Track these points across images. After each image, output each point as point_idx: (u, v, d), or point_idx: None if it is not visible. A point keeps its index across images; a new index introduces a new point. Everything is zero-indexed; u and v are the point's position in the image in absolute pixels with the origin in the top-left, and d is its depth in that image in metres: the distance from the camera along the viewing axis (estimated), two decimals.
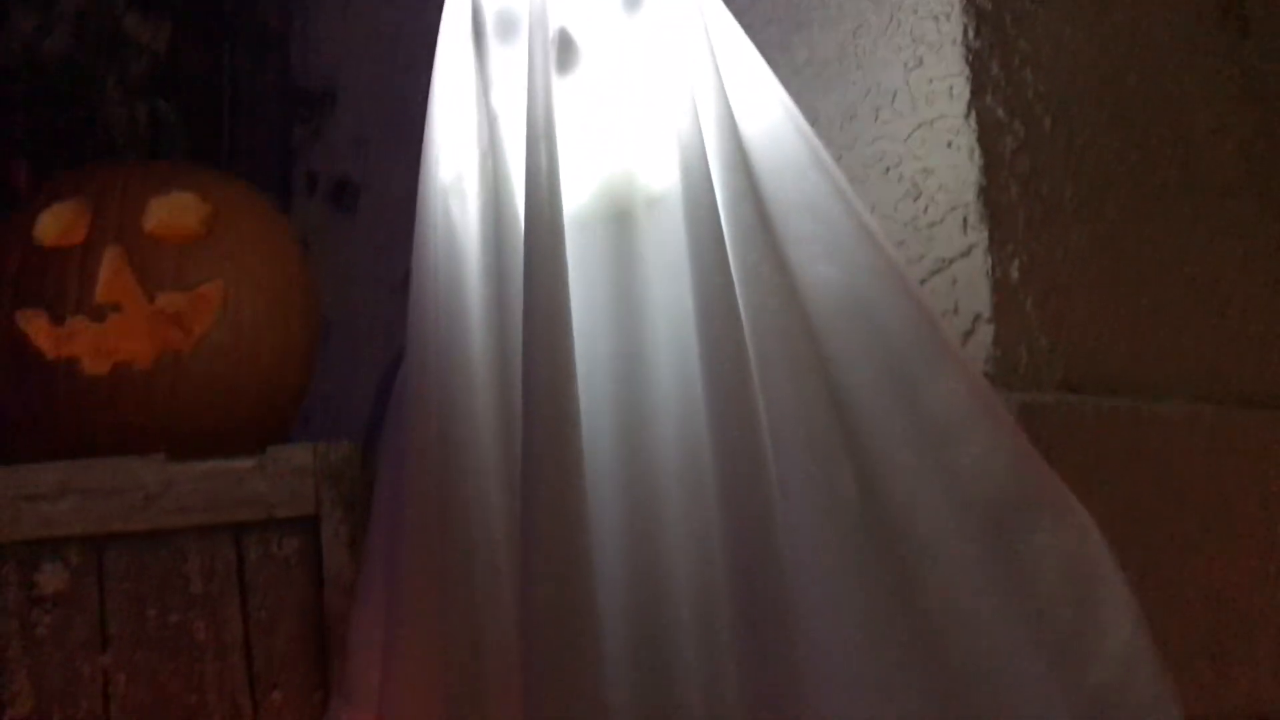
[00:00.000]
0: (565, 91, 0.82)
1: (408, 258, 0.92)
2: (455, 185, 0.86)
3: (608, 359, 0.80)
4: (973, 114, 0.97)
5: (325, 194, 1.63)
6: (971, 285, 0.96)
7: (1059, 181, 1.01)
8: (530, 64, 0.80)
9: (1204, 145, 1.12)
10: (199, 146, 1.59)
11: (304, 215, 1.67)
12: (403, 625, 0.84)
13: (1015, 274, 0.97)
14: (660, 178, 0.82)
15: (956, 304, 0.97)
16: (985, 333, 0.95)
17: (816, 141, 0.86)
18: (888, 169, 1.02)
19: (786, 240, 0.82)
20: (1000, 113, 0.99)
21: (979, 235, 0.96)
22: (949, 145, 0.98)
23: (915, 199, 1.00)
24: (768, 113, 0.86)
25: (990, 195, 0.97)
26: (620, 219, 0.82)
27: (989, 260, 0.96)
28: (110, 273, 1.08)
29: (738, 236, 0.80)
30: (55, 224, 1.11)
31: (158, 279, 1.09)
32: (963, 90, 0.98)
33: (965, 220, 0.97)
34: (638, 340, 0.81)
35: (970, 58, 0.98)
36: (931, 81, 0.99)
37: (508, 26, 0.84)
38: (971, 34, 0.98)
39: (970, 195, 0.97)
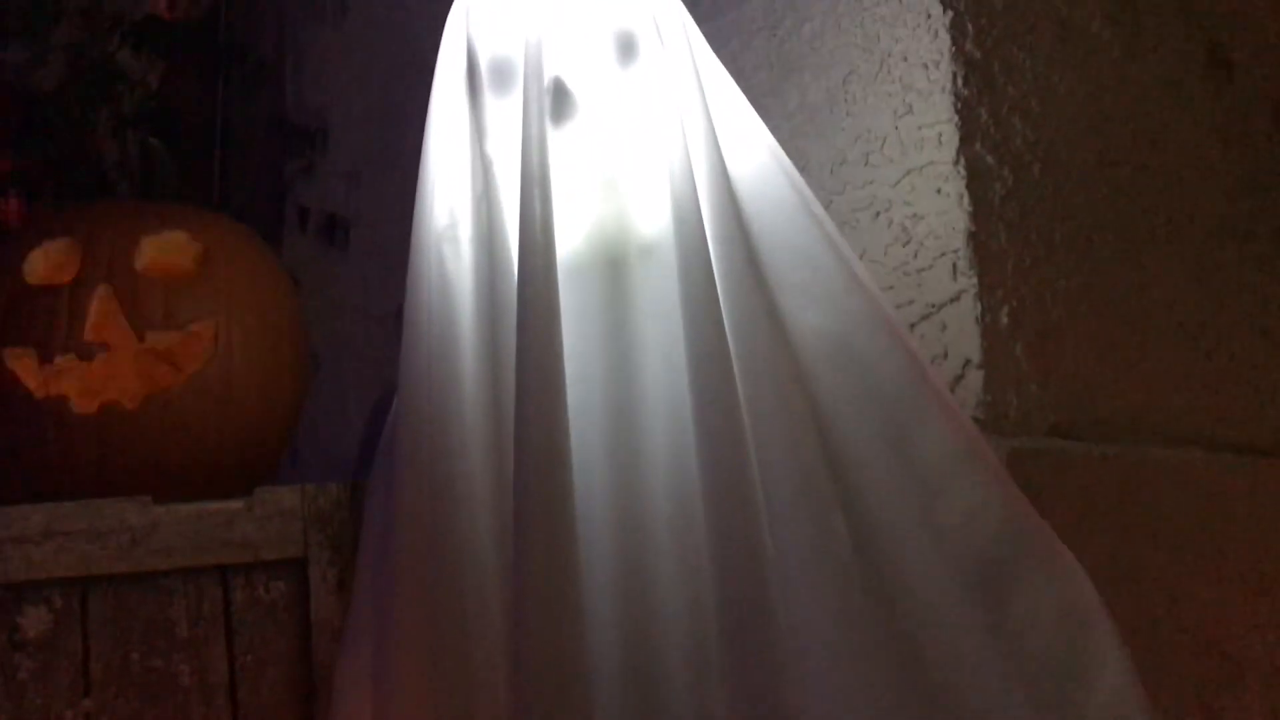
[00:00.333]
0: (559, 139, 0.82)
1: (398, 292, 0.92)
2: (449, 231, 0.86)
3: (601, 405, 0.81)
4: (962, 161, 0.98)
5: (317, 228, 1.63)
6: (961, 330, 0.97)
7: (1048, 227, 1.01)
8: (525, 112, 0.80)
9: (1191, 190, 1.13)
10: (191, 181, 1.59)
11: (295, 249, 1.67)
12: (393, 669, 0.83)
13: (1005, 319, 0.97)
14: (653, 225, 0.83)
15: (946, 349, 0.97)
16: (975, 378, 0.95)
17: (805, 188, 0.87)
18: (878, 214, 1.03)
19: (777, 287, 0.82)
20: (989, 159, 0.99)
21: (968, 281, 0.97)
22: (938, 191, 0.99)
23: (905, 244, 1.00)
24: (757, 159, 0.87)
25: (980, 241, 0.98)
26: (613, 265, 0.82)
27: (979, 306, 0.96)
28: (100, 311, 1.08)
29: (729, 283, 0.80)
30: (45, 262, 1.11)
31: (148, 318, 1.09)
32: (952, 137, 0.98)
33: (955, 266, 0.97)
34: (631, 386, 0.81)
35: (959, 105, 0.99)
36: (921, 128, 1.00)
37: (503, 75, 0.84)
38: (960, 82, 0.99)
39: (960, 241, 0.97)
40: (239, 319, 1.12)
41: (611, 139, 0.83)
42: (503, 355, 0.80)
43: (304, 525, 1.02)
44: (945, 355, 0.97)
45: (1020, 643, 0.77)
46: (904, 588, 0.77)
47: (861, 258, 1.02)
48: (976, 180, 0.98)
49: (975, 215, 0.97)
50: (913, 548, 0.77)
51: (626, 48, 0.83)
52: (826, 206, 1.05)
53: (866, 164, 1.03)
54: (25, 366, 1.07)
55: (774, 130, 1.08)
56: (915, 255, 1.00)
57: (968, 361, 0.96)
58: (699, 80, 0.84)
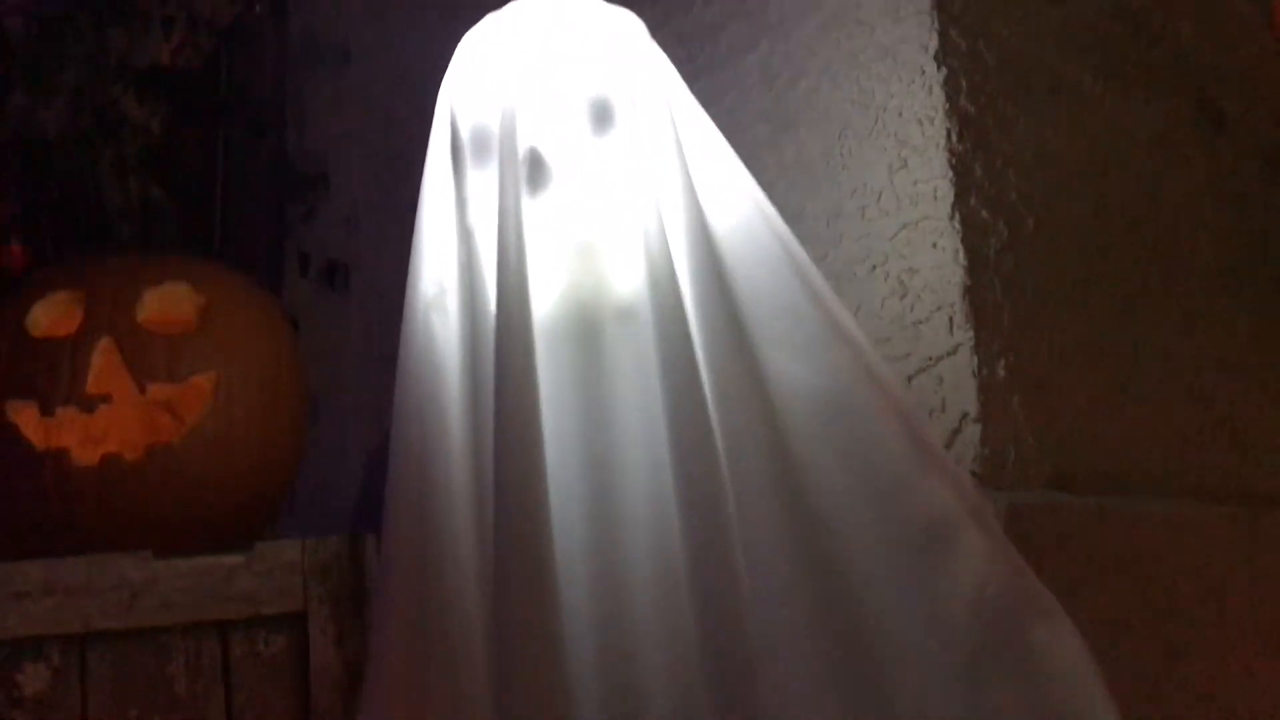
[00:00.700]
0: (535, 208, 0.83)
1: (398, 337, 0.93)
2: (437, 299, 0.87)
3: (579, 468, 0.80)
4: (957, 216, 0.99)
5: (317, 273, 1.64)
6: (958, 384, 0.97)
7: (1043, 280, 1.03)
8: (500, 182, 0.81)
9: (1184, 242, 1.14)
10: (192, 225, 1.60)
11: (296, 292, 1.68)
12: (384, 708, 0.84)
13: (1002, 372, 0.98)
14: (630, 288, 0.83)
15: (944, 402, 0.98)
16: (972, 432, 0.96)
17: (793, 241, 0.87)
18: (874, 267, 1.03)
19: (760, 343, 0.82)
20: (984, 214, 1.01)
21: (965, 335, 0.97)
22: (934, 246, 1.00)
23: (902, 297, 1.01)
24: (741, 213, 0.86)
25: (975, 294, 0.99)
26: (590, 329, 0.82)
27: (975, 359, 0.97)
28: (102, 364, 1.08)
29: (709, 343, 0.81)
30: (47, 315, 1.12)
31: (149, 370, 1.09)
32: (946, 193, 0.99)
33: (951, 319, 0.98)
34: (609, 449, 0.81)
35: (954, 161, 1.00)
36: (916, 183, 1.01)
37: (481, 145, 0.85)
38: (955, 138, 1.00)
39: (956, 296, 0.98)
40: (239, 370, 1.12)
41: (587, 205, 0.83)
42: (484, 424, 0.81)
43: (304, 579, 1.01)
44: (943, 408, 0.98)
45: (1013, 700, 0.77)
46: (892, 649, 0.76)
47: (858, 310, 1.03)
48: (972, 234, 0.99)
49: (971, 269, 0.98)
50: (900, 607, 0.77)
51: (601, 115, 0.84)
52: (823, 259, 1.06)
53: (863, 217, 1.04)
54: (27, 419, 1.08)
55: (771, 183, 1.10)
56: (912, 308, 1.00)
57: (965, 415, 0.96)
58: (678, 139, 0.84)
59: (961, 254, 0.99)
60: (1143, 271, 1.10)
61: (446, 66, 0.93)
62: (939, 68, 1.01)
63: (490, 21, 0.88)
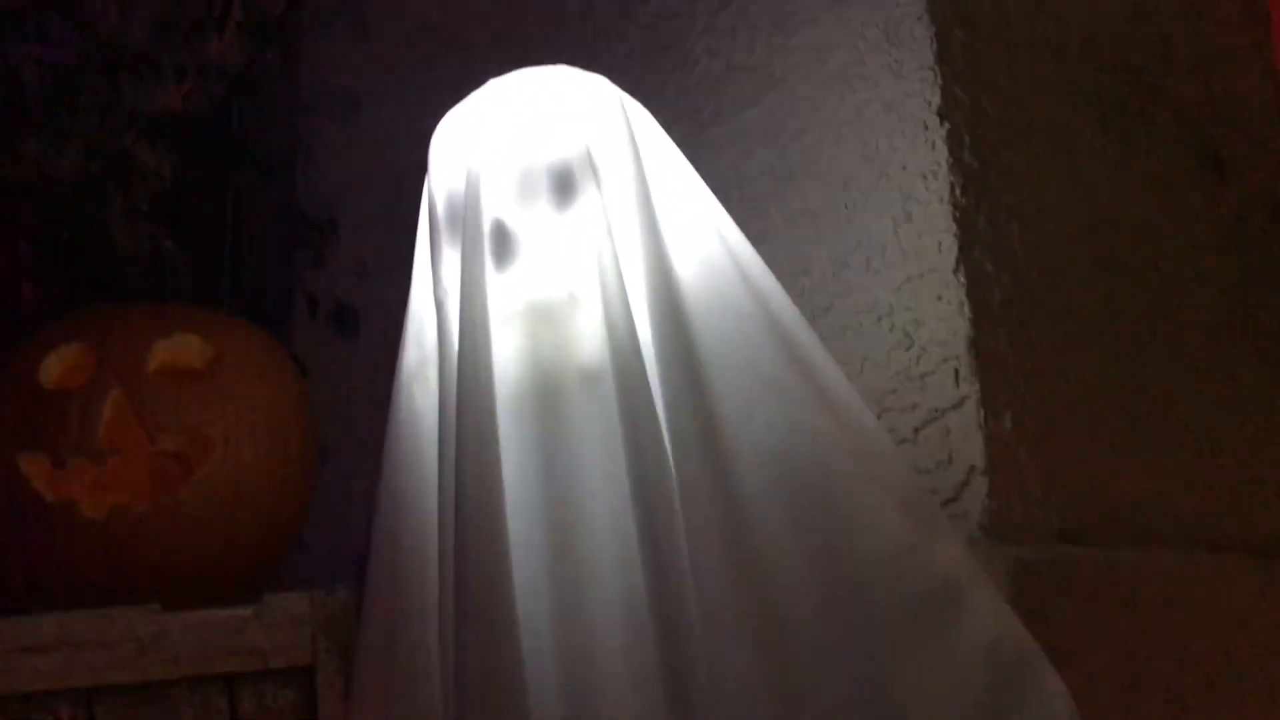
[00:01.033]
0: (499, 277, 0.84)
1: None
2: (420, 370, 0.89)
3: (544, 534, 0.80)
4: (961, 268, 1.00)
5: (326, 317, 1.65)
6: (965, 436, 0.97)
7: (1048, 331, 1.03)
8: (464, 255, 0.82)
9: (1189, 289, 1.15)
10: (201, 270, 1.61)
11: (305, 337, 1.69)
12: None
13: (1008, 424, 0.98)
14: (593, 353, 0.82)
15: (951, 455, 0.98)
16: (980, 484, 0.96)
17: (775, 297, 0.85)
18: (879, 318, 1.04)
19: (724, 408, 0.80)
20: (988, 266, 1.01)
21: (971, 387, 0.98)
22: (939, 298, 1.00)
23: (908, 349, 1.02)
24: (716, 269, 0.85)
25: (981, 346, 0.99)
26: (553, 395, 0.82)
27: (982, 411, 0.97)
28: (113, 416, 1.09)
29: (669, 407, 0.80)
30: (59, 367, 1.13)
31: (159, 421, 1.10)
32: (951, 246, 1.00)
33: (957, 372, 0.98)
34: (574, 514, 0.80)
35: (958, 214, 1.01)
36: (920, 236, 1.02)
37: (451, 219, 0.86)
38: (958, 191, 1.01)
39: (961, 348, 0.99)
40: (248, 421, 1.13)
41: (551, 273, 0.84)
42: (450, 495, 0.81)
43: (313, 632, 1.02)
44: (950, 460, 0.98)
45: None
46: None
47: (864, 361, 1.04)
48: (976, 287, 1.00)
49: (976, 321, 0.99)
50: (869, 685, 0.75)
51: (563, 182, 0.84)
52: (828, 309, 1.07)
53: (868, 269, 1.05)
54: (38, 471, 1.08)
55: (776, 232, 1.11)
56: (918, 360, 1.01)
57: (972, 468, 0.97)
58: (647, 198, 0.84)
59: (967, 306, 0.99)
60: (1148, 321, 1.10)
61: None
62: (942, 122, 1.02)
63: (472, 97, 0.90)
